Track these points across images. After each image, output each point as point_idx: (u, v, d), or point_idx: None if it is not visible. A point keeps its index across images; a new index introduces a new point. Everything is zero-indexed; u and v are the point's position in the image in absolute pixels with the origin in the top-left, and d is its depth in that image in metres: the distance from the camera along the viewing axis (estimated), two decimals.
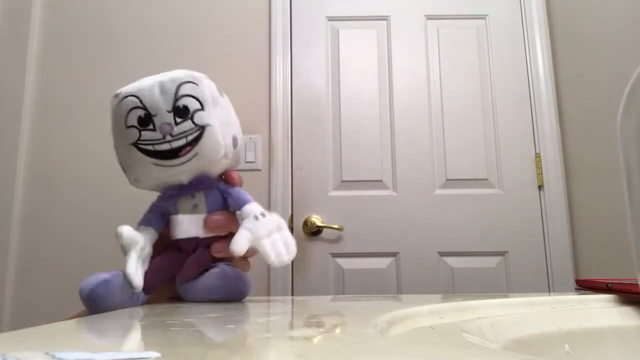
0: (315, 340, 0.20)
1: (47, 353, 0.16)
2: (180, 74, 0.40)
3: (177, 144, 0.38)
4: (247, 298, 0.43)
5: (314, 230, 1.52)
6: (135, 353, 0.16)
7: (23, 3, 1.62)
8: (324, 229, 1.53)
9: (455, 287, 1.51)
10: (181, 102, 0.38)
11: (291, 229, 1.53)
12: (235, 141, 0.43)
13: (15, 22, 1.60)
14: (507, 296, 0.43)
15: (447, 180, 1.58)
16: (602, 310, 0.41)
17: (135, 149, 0.38)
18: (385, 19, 1.68)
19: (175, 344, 0.19)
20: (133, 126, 0.38)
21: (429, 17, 1.68)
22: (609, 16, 1.38)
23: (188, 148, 0.38)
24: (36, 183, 1.56)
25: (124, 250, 0.37)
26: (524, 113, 1.61)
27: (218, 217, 0.40)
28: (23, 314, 1.47)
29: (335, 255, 1.52)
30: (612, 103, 1.35)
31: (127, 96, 0.38)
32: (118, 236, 0.37)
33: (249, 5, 1.67)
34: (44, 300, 1.48)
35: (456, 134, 1.60)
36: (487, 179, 1.58)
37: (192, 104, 0.38)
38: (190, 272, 0.41)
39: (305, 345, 0.19)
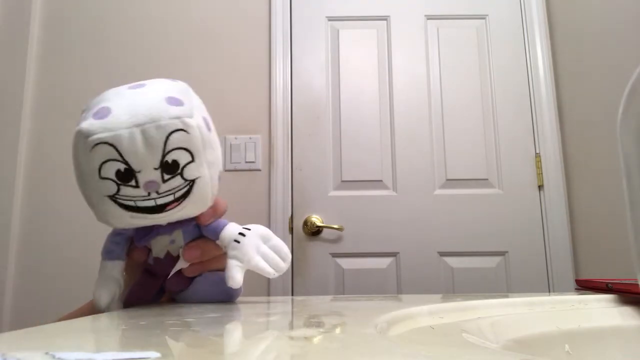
0: (315, 340, 0.20)
1: (47, 353, 0.16)
2: (165, 111, 0.32)
3: (163, 200, 0.33)
4: (247, 298, 0.43)
5: (314, 230, 1.52)
6: (135, 353, 0.16)
7: (23, 3, 1.62)
8: (324, 229, 1.53)
9: (455, 287, 1.51)
10: (170, 157, 0.32)
11: (291, 229, 1.53)
12: (219, 176, 0.38)
13: (15, 22, 1.60)
14: (507, 296, 0.43)
15: (447, 180, 1.58)
16: (602, 310, 0.41)
17: (111, 202, 0.33)
18: (385, 19, 1.68)
19: (175, 344, 0.19)
20: (109, 178, 0.32)
21: (429, 17, 1.68)
22: (609, 16, 1.38)
23: (175, 204, 0.34)
24: (36, 183, 1.56)
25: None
26: (524, 113, 1.61)
27: (194, 251, 0.39)
28: (23, 314, 1.47)
29: (335, 255, 1.52)
30: (612, 103, 1.34)
31: (99, 143, 0.31)
32: (98, 307, 0.36)
33: (249, 5, 1.67)
34: (44, 300, 1.48)
35: (456, 134, 1.60)
36: (487, 179, 1.58)
37: (183, 158, 0.33)
38: (175, 288, 0.41)
39: (305, 345, 0.19)
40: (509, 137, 1.60)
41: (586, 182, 1.49)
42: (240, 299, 0.43)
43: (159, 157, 0.32)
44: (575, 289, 0.54)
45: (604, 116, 1.40)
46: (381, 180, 1.57)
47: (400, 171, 1.57)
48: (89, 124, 0.32)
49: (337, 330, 0.23)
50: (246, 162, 1.55)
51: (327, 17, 1.67)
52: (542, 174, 1.56)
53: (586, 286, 0.51)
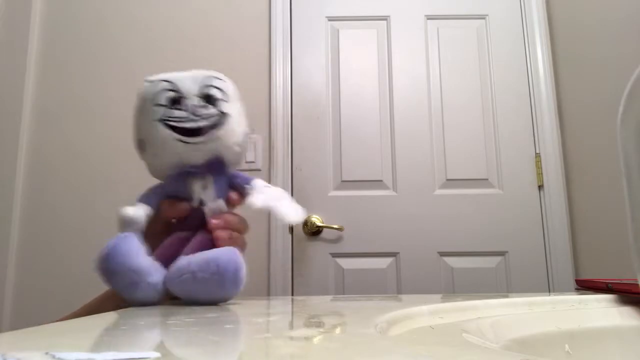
0: (315, 340, 0.20)
1: (47, 353, 0.16)
2: (208, 72, 0.46)
3: (201, 123, 0.42)
4: (247, 298, 0.43)
5: (314, 230, 1.52)
6: (135, 353, 0.16)
7: (23, 3, 1.62)
8: (324, 229, 1.53)
9: (455, 287, 1.51)
10: (209, 91, 0.43)
11: (291, 229, 1.53)
12: (245, 136, 0.46)
13: (15, 23, 1.60)
14: (507, 296, 0.43)
15: (447, 180, 1.57)
16: (602, 310, 0.41)
17: (161, 125, 0.42)
18: (385, 19, 1.68)
19: (175, 344, 0.19)
20: (162, 105, 0.42)
21: (429, 17, 1.68)
22: (609, 16, 1.38)
23: (210, 130, 0.42)
24: (36, 184, 1.56)
25: (122, 227, 0.40)
26: (524, 113, 1.61)
27: (221, 224, 0.43)
28: (23, 314, 1.47)
29: (335, 255, 1.52)
30: (612, 103, 1.34)
31: (161, 80, 0.44)
32: (123, 215, 0.40)
33: (248, 5, 1.67)
34: (44, 300, 1.48)
35: (456, 133, 1.60)
36: (487, 179, 1.58)
37: (218, 95, 0.44)
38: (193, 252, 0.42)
39: (305, 345, 0.19)
40: (509, 137, 1.60)
41: (586, 182, 1.49)
42: (240, 299, 0.42)
43: (201, 89, 0.43)
44: (575, 289, 0.54)
45: (604, 116, 1.40)
46: (381, 180, 1.57)
47: (400, 171, 1.57)
48: (155, 75, 0.45)
49: (337, 330, 0.23)
50: (246, 162, 1.55)
51: (327, 17, 1.67)
52: (542, 174, 1.56)
53: (586, 286, 0.51)
